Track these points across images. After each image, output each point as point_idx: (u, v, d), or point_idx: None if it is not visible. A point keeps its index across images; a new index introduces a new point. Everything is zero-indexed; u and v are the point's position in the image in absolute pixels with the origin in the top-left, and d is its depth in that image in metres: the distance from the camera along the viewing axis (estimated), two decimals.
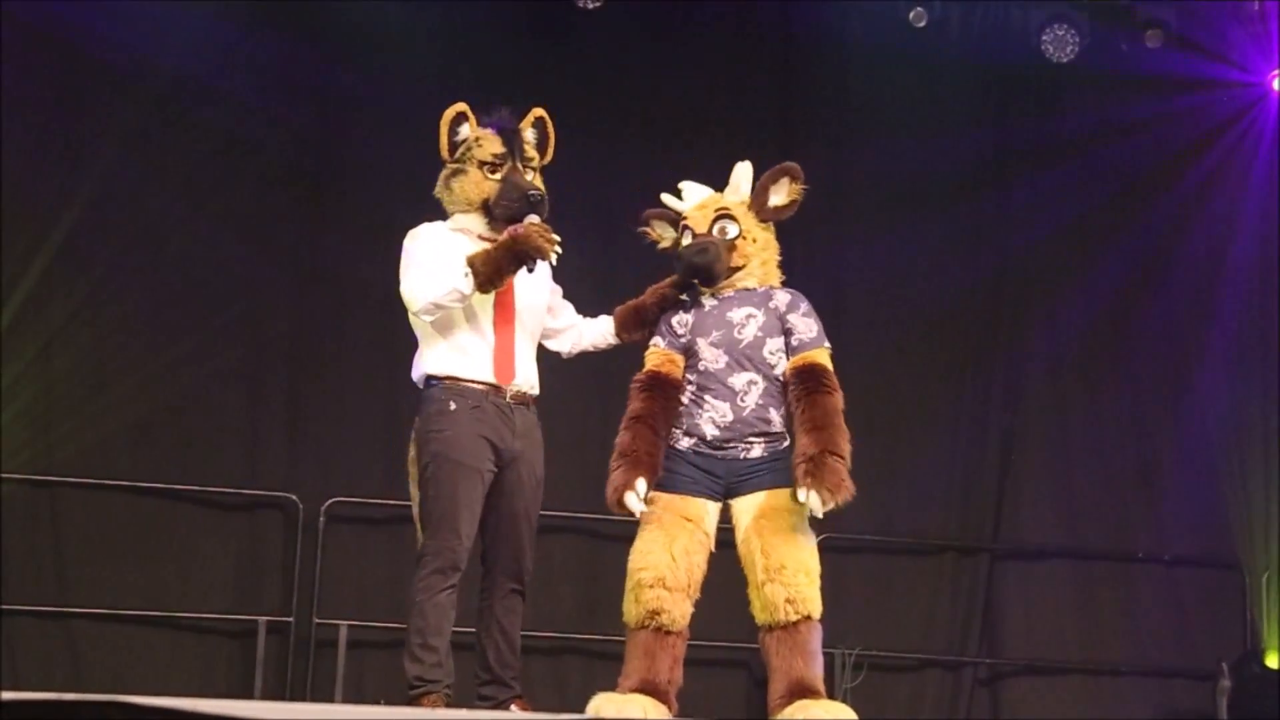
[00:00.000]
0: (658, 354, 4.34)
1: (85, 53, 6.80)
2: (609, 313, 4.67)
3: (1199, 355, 7.86)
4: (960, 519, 7.67)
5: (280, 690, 6.61)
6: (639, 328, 4.55)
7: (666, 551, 4.09)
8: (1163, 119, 7.85)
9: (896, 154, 7.60)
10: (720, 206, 4.37)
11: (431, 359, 4.42)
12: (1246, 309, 7.90)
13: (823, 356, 4.21)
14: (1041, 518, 7.72)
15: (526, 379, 4.46)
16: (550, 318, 4.64)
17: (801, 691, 3.96)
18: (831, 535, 6.44)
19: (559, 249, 4.36)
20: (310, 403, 7.03)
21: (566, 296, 4.72)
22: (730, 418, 4.19)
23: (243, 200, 7.03)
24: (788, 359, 4.22)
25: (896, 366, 7.65)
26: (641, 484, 4.08)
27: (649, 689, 4.02)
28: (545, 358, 4.64)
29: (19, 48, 6.65)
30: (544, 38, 7.39)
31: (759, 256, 4.36)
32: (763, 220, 4.40)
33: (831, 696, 4.15)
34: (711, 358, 4.24)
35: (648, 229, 4.59)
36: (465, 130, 4.49)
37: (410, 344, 4.53)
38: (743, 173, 4.44)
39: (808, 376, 4.15)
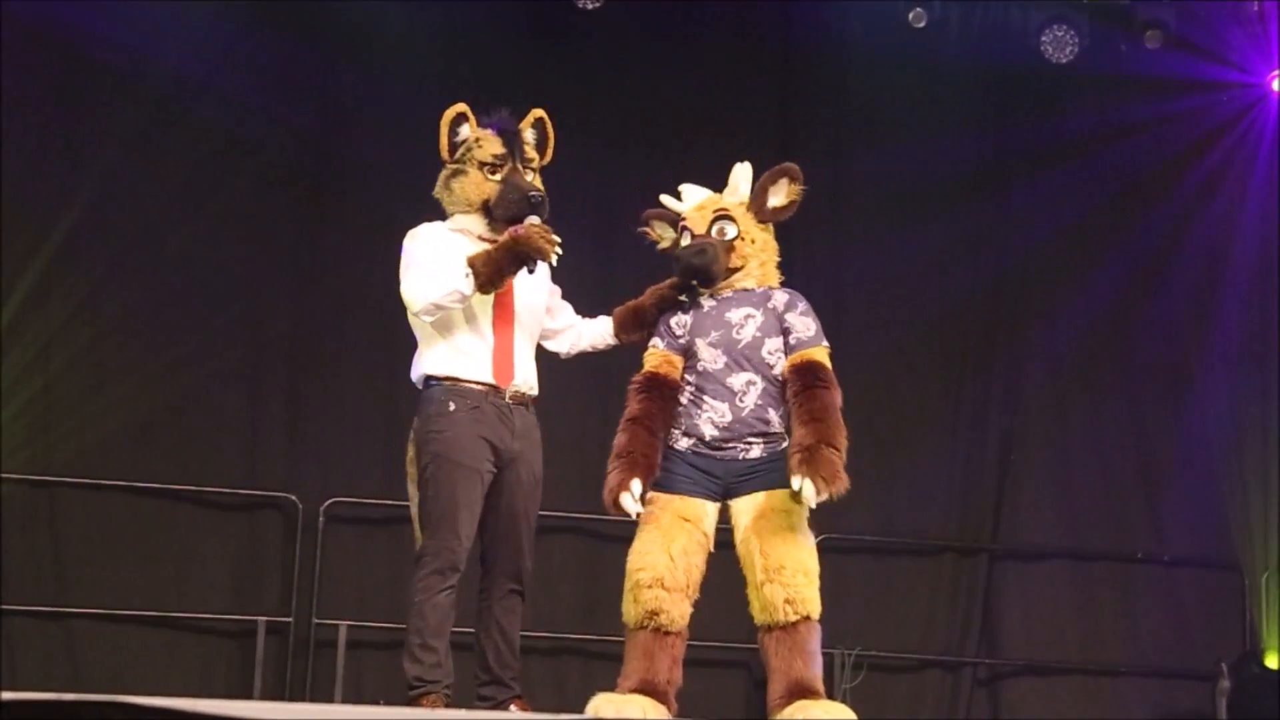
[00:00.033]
0: (656, 355, 4.34)
1: (85, 53, 6.80)
2: (608, 313, 4.67)
3: (1199, 355, 7.84)
4: (960, 520, 7.66)
5: (279, 690, 6.61)
6: (638, 328, 4.55)
7: (665, 552, 4.08)
8: (1162, 120, 7.84)
9: (896, 155, 7.59)
10: (719, 207, 4.37)
11: (431, 359, 4.42)
12: (1246, 309, 7.89)
13: (821, 354, 4.20)
14: (1041, 518, 7.72)
15: (525, 380, 4.46)
16: (549, 318, 4.64)
17: (801, 692, 3.96)
18: (831, 535, 6.46)
19: (559, 250, 4.35)
20: (310, 403, 7.03)
21: (566, 297, 4.72)
22: (729, 418, 4.18)
23: (242, 200, 7.03)
24: (786, 358, 4.22)
25: (896, 367, 7.65)
26: (637, 485, 4.08)
27: (648, 689, 4.02)
28: (545, 358, 4.64)
29: (19, 48, 6.64)
30: (544, 38, 7.39)
31: (757, 257, 4.36)
32: (762, 221, 4.39)
33: (831, 697, 4.15)
34: (710, 358, 4.24)
35: (647, 229, 4.59)
36: (465, 131, 4.48)
37: (410, 344, 4.53)
38: (742, 174, 4.44)
39: (806, 373, 4.14)
